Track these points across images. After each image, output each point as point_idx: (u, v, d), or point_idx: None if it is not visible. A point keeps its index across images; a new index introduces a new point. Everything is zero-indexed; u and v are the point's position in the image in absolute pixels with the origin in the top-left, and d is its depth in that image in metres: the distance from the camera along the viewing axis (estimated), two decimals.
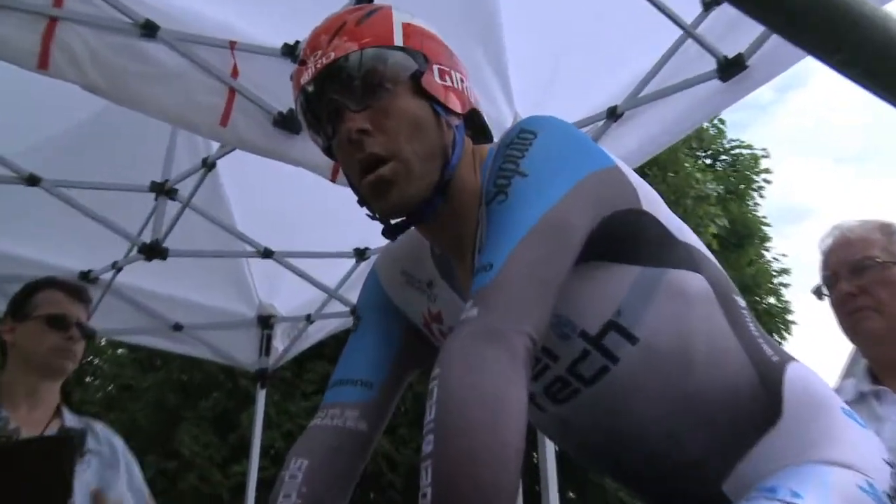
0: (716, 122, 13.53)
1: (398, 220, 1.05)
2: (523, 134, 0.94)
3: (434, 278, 1.12)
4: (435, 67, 1.03)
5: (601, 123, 2.81)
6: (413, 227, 1.08)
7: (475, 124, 1.11)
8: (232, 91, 2.49)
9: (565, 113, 2.72)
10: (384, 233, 1.07)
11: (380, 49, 1.00)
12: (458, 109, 1.04)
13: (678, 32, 2.54)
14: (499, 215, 0.87)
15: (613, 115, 2.77)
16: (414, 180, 1.00)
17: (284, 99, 2.48)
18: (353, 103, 1.00)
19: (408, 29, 1.03)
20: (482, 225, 0.95)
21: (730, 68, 2.35)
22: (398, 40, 1.01)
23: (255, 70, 2.52)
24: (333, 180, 2.52)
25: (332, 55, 1.00)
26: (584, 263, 0.92)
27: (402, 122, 1.00)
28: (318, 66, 1.00)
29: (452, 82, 1.03)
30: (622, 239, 0.95)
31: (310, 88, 1.02)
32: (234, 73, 2.50)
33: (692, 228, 1.05)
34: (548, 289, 0.83)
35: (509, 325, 0.79)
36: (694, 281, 0.99)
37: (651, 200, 1.00)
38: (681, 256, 0.99)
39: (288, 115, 2.49)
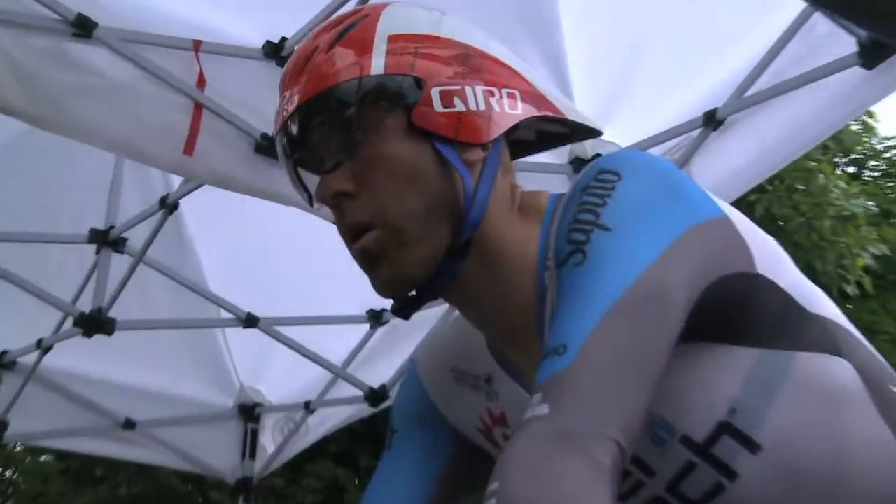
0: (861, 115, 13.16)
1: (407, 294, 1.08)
2: (604, 175, 0.95)
3: (493, 371, 1.14)
4: (434, 92, 1.03)
5: (696, 134, 2.85)
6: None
7: (547, 136, 1.16)
8: (198, 107, 2.56)
9: (646, 121, 2.95)
10: (394, 311, 1.10)
11: (347, 85, 1.02)
12: (480, 138, 1.04)
13: (797, 8, 2.54)
14: (574, 282, 0.89)
15: (712, 121, 2.81)
16: (409, 248, 1.02)
17: (269, 114, 2.41)
18: (321, 164, 1.04)
19: (395, 44, 1.05)
20: (551, 293, 0.98)
21: (876, 51, 2.34)
22: (377, 65, 1.03)
23: (228, 78, 2.60)
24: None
25: (293, 103, 1.04)
26: (685, 346, 0.93)
27: (389, 175, 1.02)
28: (283, 114, 1.06)
29: (469, 102, 1.04)
30: (734, 313, 0.96)
31: (281, 142, 1.08)
32: (201, 82, 2.58)
33: (834, 261, 1.03)
34: (640, 381, 0.85)
35: (590, 428, 0.81)
36: (834, 368, 1.00)
37: (770, 259, 1.01)
38: (814, 335, 1.00)
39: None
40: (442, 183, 1.03)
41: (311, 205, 1.10)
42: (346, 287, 3.27)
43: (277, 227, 3.43)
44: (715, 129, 2.81)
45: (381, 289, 1.05)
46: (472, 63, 1.06)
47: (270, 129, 2.42)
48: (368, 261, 1.03)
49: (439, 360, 1.23)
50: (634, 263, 0.88)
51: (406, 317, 1.11)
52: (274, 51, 2.64)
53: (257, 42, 2.65)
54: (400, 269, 1.03)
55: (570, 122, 1.14)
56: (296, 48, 1.10)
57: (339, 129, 1.03)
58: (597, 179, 0.95)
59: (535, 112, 1.09)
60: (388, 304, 3.16)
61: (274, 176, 2.60)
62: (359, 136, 1.03)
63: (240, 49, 2.64)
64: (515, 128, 1.07)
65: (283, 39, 2.66)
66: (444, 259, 1.04)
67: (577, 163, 3.03)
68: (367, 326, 4.04)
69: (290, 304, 3.94)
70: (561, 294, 0.91)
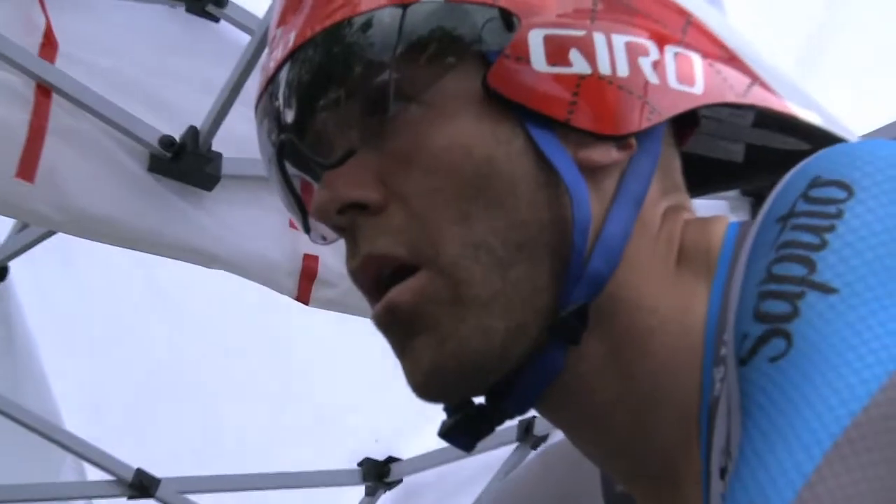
0: None
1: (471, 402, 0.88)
2: (821, 191, 0.72)
3: None
4: (535, 36, 0.81)
5: None
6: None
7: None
8: (44, 93, 2.13)
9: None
10: (443, 433, 0.85)
11: (378, 18, 0.82)
12: (615, 126, 0.82)
13: None
14: (772, 391, 0.68)
15: None
16: (476, 310, 0.79)
17: (175, 101, 2.30)
18: (324, 151, 0.83)
19: None
20: (727, 405, 0.77)
21: None
22: None
23: (97, 37, 2.27)
24: (305, 301, 2.29)
25: (286, 46, 0.85)
26: None
27: (444, 178, 0.81)
28: (271, 65, 0.86)
29: (600, 60, 0.82)
30: None
31: (263, 113, 0.88)
32: (48, 46, 2.17)
33: None
34: None
35: None
36: None
37: None
38: None
39: (187, 140, 2.17)
40: (540, 199, 0.81)
41: (307, 228, 0.89)
42: (325, 415, 3.19)
43: (194, 311, 2.97)
44: None
45: (422, 384, 0.81)
46: None
47: (176, 127, 2.23)
48: (401, 330, 0.81)
49: None
50: (877, 360, 0.66)
51: (467, 445, 0.87)
52: None
53: None
54: (458, 349, 0.80)
55: (796, 125, 0.92)
56: None
57: (359, 94, 0.82)
58: (807, 199, 0.72)
59: (728, 95, 0.87)
60: (400, 450, 3.32)
61: (185, 214, 2.20)
62: (392, 108, 0.82)
63: None
64: (691, 119, 0.88)
65: None
66: (540, 337, 0.81)
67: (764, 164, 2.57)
68: (360, 490, 3.32)
69: (216, 453, 3.22)
70: (748, 411, 0.70)
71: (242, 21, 2.45)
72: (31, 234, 2.77)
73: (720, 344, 0.82)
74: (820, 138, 0.92)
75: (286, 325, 2.90)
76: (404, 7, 0.83)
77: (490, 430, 0.88)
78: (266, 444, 3.28)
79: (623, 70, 0.83)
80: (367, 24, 0.84)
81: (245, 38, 2.38)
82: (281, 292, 2.35)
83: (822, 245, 0.71)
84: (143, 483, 3.14)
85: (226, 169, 2.15)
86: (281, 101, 0.86)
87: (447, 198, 0.82)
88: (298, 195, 0.89)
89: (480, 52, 0.81)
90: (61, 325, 3.27)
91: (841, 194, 0.73)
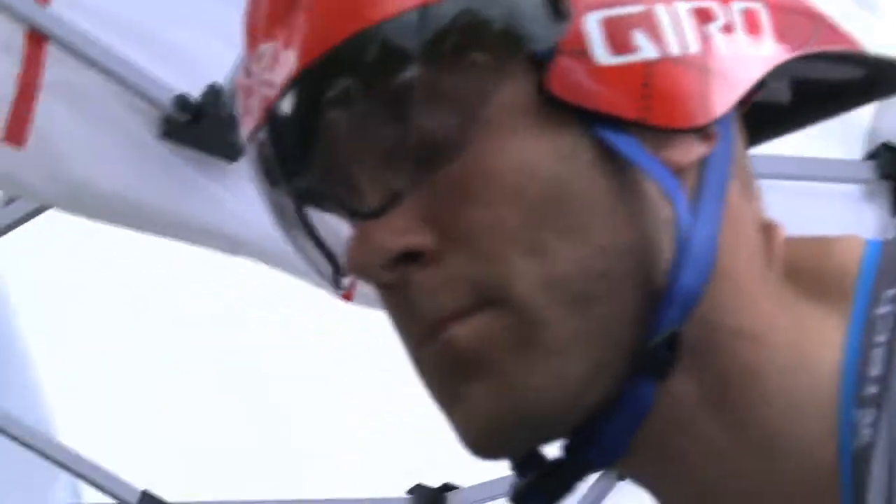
0: None
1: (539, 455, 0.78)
2: None
3: None
4: (592, 22, 0.73)
5: None
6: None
7: (807, 92, 0.88)
8: (36, 41, 2.02)
9: None
10: (516, 498, 0.76)
11: (405, 23, 0.72)
12: (695, 116, 0.74)
13: None
14: None
15: None
16: (550, 351, 0.72)
17: (195, 54, 2.14)
18: (357, 198, 0.73)
19: None
20: (880, 463, 0.74)
21: None
22: None
23: None
24: (348, 298, 1.99)
25: (286, 69, 0.72)
26: None
27: (509, 206, 0.73)
28: (265, 95, 0.73)
29: (666, 38, 0.73)
30: None
31: (261, 153, 0.76)
32: None
33: None
34: None
35: None
36: None
37: None
38: None
39: (207, 101, 2.05)
40: (620, 218, 0.74)
41: (337, 283, 0.77)
42: (369, 434, 3.43)
43: (210, 306, 3.12)
44: None
45: (478, 440, 0.71)
46: None
47: (194, 84, 2.11)
48: (460, 371, 0.71)
49: None
50: None
51: None
52: None
53: None
54: (525, 400, 0.72)
55: (863, 59, 0.83)
56: None
57: (391, 120, 0.72)
58: None
59: (801, 48, 0.79)
60: (454, 473, 3.45)
61: (204, 190, 2.10)
62: (437, 132, 0.71)
63: None
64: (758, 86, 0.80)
65: None
66: (622, 374, 0.74)
67: (891, 158, 2.41)
68: None
69: (235, 476, 3.27)
70: None
71: None
72: (18, 210, 2.60)
73: (864, 382, 0.72)
74: (874, 65, 0.83)
75: (322, 332, 2.78)
76: (432, 8, 0.72)
77: (571, 487, 0.77)
78: (301, 466, 3.28)
79: (694, 45, 0.74)
80: (392, 32, 0.73)
81: None
82: (318, 286, 2.10)
83: None
84: (147, 502, 2.97)
85: None
86: (292, 134, 0.74)
87: (514, 229, 0.73)
88: (322, 242, 0.77)
89: (530, 52, 0.72)
90: (52, 322, 3.27)
91: None
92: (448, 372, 0.70)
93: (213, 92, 2.03)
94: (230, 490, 3.51)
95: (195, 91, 2.02)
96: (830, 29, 0.80)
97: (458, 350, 0.69)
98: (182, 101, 2.00)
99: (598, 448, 0.74)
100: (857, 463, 0.72)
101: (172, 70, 2.06)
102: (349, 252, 0.72)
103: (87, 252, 2.91)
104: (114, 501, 2.99)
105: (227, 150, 2.07)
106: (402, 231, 0.70)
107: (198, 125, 2.02)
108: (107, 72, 2.00)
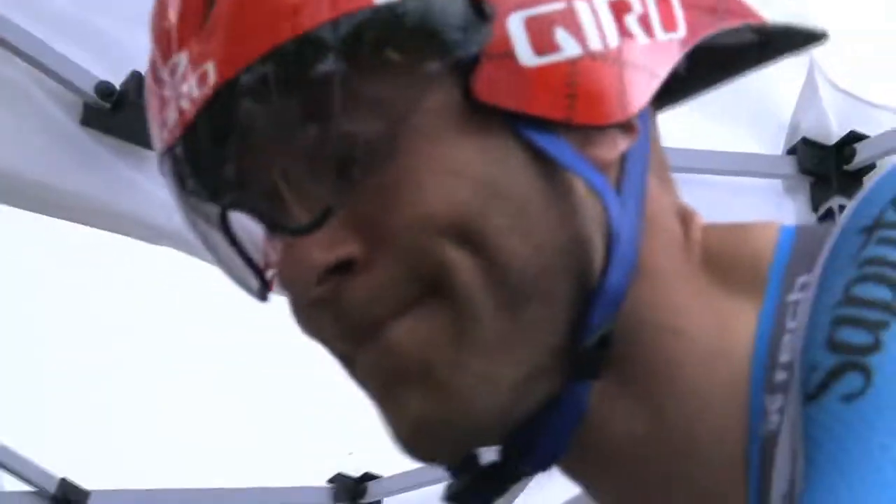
0: None
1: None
2: None
3: None
4: (515, 22, 0.77)
5: None
6: None
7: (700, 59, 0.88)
8: None
9: None
10: (450, 498, 0.83)
11: (329, 32, 0.76)
12: (614, 111, 0.79)
13: None
14: (844, 434, 0.68)
15: None
16: (486, 352, 0.76)
17: (127, 41, 2.15)
18: (282, 214, 0.76)
19: None
20: (785, 448, 0.77)
21: None
22: None
23: None
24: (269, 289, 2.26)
25: (205, 84, 0.75)
26: None
27: (438, 211, 0.78)
28: (181, 111, 0.75)
29: (587, 33, 0.78)
30: None
31: (178, 169, 0.80)
32: None
33: None
34: None
35: None
36: None
37: None
38: None
39: (129, 88, 2.09)
40: (552, 219, 0.79)
41: (264, 295, 0.82)
42: (291, 424, 3.35)
43: (144, 301, 3.12)
44: None
45: (409, 440, 0.77)
46: None
47: (117, 71, 2.16)
48: (397, 375, 0.77)
49: None
50: None
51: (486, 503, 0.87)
52: None
53: None
54: (454, 403, 0.76)
55: (760, 28, 0.90)
56: None
57: (318, 133, 0.77)
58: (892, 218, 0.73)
59: (711, 26, 0.86)
60: (374, 463, 3.53)
61: (125, 178, 2.15)
62: (364, 142, 0.77)
63: None
64: None
65: None
66: (559, 377, 0.80)
67: (815, 155, 2.39)
68: None
69: (158, 465, 3.25)
70: (814, 461, 0.70)
71: None
72: None
73: (774, 369, 0.78)
74: (770, 32, 0.90)
75: (249, 324, 2.74)
76: (367, 13, 0.75)
77: (504, 490, 0.85)
78: (221, 455, 3.23)
79: (614, 39, 0.79)
80: (318, 41, 0.76)
81: None
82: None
83: None
84: (68, 496, 3.03)
85: None
86: (215, 154, 0.76)
87: (443, 225, 0.76)
88: (247, 254, 0.81)
89: (455, 57, 0.76)
90: (53, 322, 3.28)
91: None
92: (386, 377, 0.74)
93: (136, 79, 2.03)
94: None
95: (117, 78, 2.06)
96: (734, 2, 0.86)
97: (397, 356, 0.73)
98: (104, 88, 2.04)
99: (534, 455, 0.79)
100: (765, 448, 0.77)
101: (94, 56, 2.10)
102: (280, 270, 0.75)
103: (87, 252, 2.87)
104: (32, 489, 3.05)
105: (150, 138, 2.19)
106: (330, 244, 0.73)
107: (119, 112, 2.06)
108: (25, 57, 2.02)
